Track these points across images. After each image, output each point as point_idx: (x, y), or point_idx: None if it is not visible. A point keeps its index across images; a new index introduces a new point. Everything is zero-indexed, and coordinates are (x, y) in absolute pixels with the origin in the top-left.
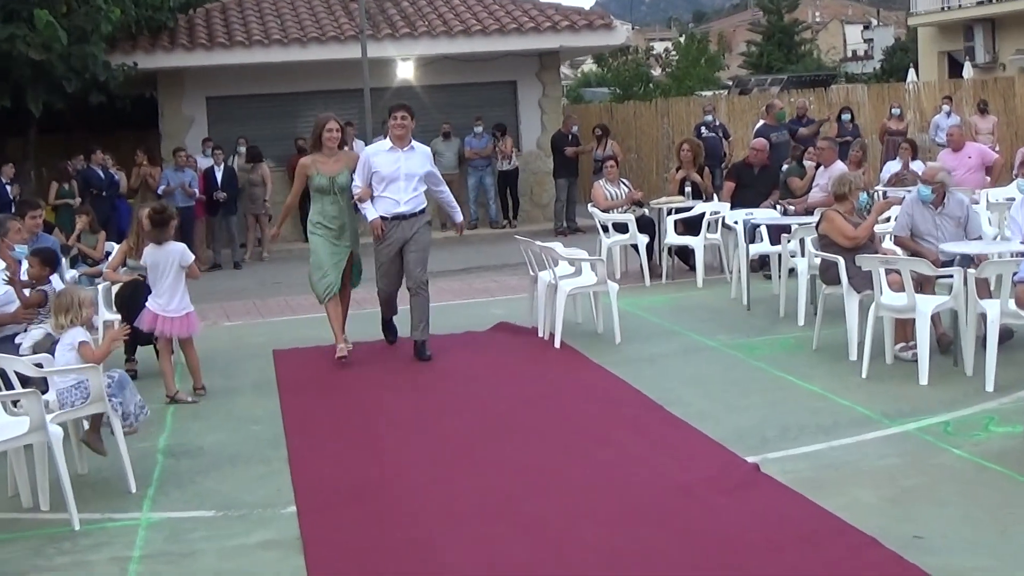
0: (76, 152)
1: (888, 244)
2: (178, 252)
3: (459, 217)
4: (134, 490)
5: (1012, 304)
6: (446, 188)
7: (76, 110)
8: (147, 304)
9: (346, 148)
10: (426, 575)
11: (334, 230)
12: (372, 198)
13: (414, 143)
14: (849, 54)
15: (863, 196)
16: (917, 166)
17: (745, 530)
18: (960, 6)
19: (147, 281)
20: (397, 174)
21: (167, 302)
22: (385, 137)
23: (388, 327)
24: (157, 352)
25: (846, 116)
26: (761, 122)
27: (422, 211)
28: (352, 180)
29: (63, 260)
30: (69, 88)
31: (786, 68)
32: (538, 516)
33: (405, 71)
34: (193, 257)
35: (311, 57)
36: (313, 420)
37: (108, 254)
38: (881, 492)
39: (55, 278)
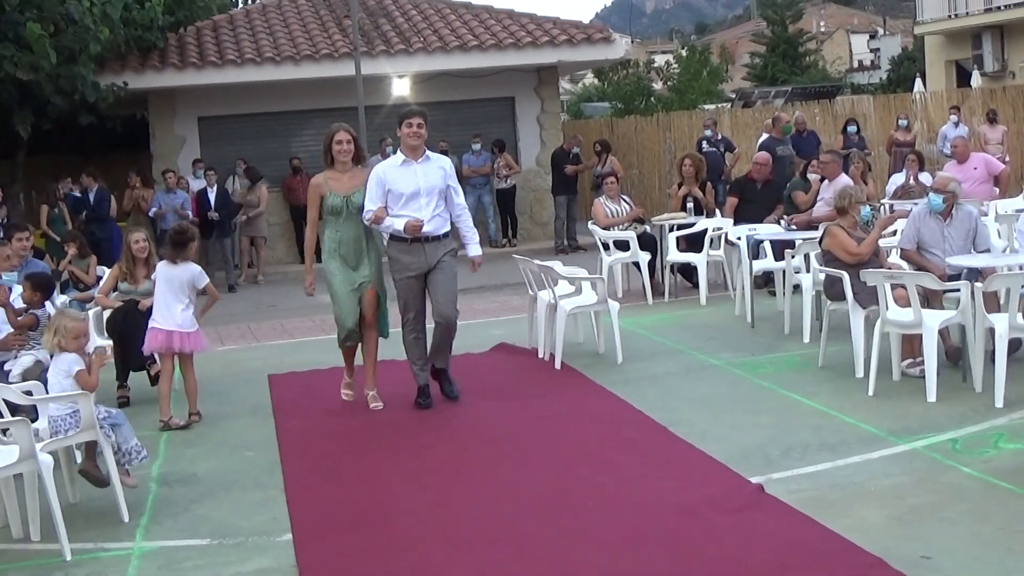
0: (66, 174)
1: (894, 258)
2: (193, 273)
3: (476, 251)
4: (127, 519)
5: (1020, 318)
6: (465, 208)
7: (65, 131)
8: (153, 324)
9: (362, 165)
10: None
11: (351, 258)
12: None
13: (429, 153)
14: (855, 64)
15: (865, 210)
16: (924, 178)
17: (749, 552)
18: (968, 13)
19: (137, 302)
20: (417, 190)
21: (180, 318)
22: (387, 153)
23: (423, 391)
24: (151, 378)
25: (852, 128)
26: (765, 135)
27: (447, 235)
28: None
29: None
30: (53, 113)
31: (791, 79)
32: (539, 539)
33: (401, 88)
34: (208, 279)
35: (304, 75)
36: (309, 446)
37: (100, 279)
38: (888, 511)
39: (48, 303)
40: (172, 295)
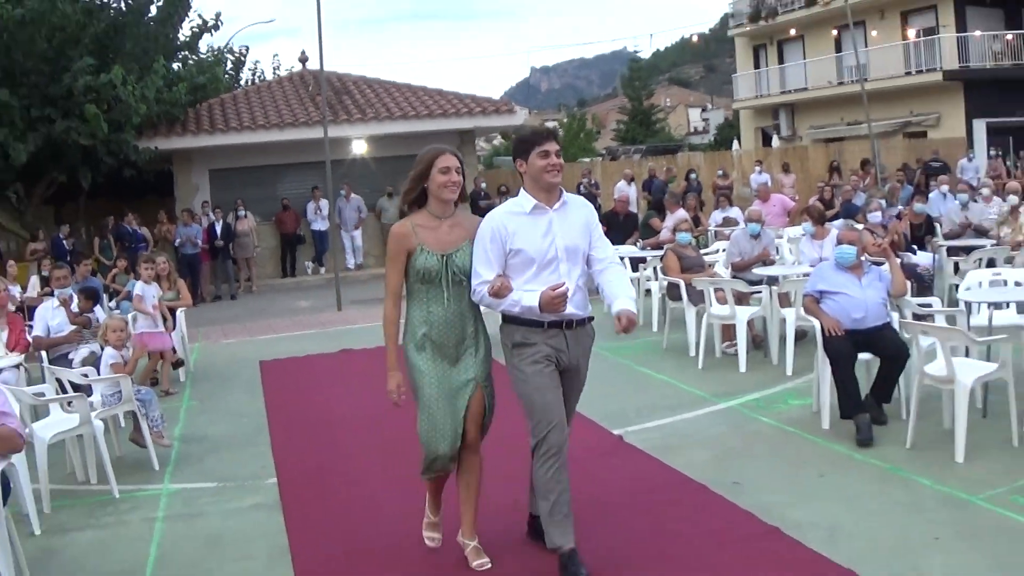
0: (115, 215)
1: (718, 268)
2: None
3: (625, 304)
4: (157, 468)
5: (802, 311)
6: (614, 257)
7: (114, 181)
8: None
9: (463, 206)
10: (372, 521)
11: (449, 348)
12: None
13: (566, 195)
14: (692, 129)
15: (687, 235)
16: (734, 212)
17: (613, 486)
18: (769, 95)
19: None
20: (553, 253)
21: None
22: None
23: (571, 559)
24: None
25: (693, 175)
26: (622, 181)
27: (592, 319)
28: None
29: (103, 296)
30: (104, 169)
31: (646, 140)
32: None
33: (359, 147)
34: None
35: (286, 137)
36: (289, 414)
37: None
38: (712, 452)
39: (98, 308)
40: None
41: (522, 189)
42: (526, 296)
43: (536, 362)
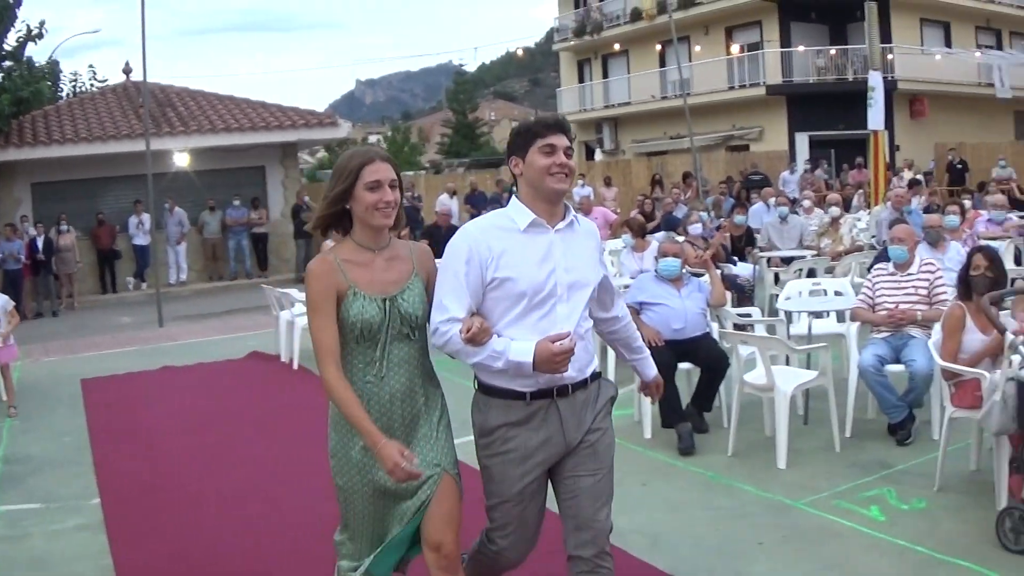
0: None
1: None
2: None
3: (652, 371)
4: None
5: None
6: (625, 309)
7: None
8: None
9: (403, 235)
10: (197, 539)
11: (396, 430)
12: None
13: (575, 215)
14: None
15: None
16: None
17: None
18: (593, 109)
19: None
20: (551, 287)
21: None
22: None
23: None
24: None
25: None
26: (444, 194)
27: (597, 375)
28: (430, 305)
29: None
30: None
31: (470, 153)
32: (277, 493)
33: (181, 160)
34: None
35: (108, 150)
36: (112, 432)
37: None
38: None
39: None
40: None
41: (514, 197)
42: (515, 347)
43: (506, 451)
